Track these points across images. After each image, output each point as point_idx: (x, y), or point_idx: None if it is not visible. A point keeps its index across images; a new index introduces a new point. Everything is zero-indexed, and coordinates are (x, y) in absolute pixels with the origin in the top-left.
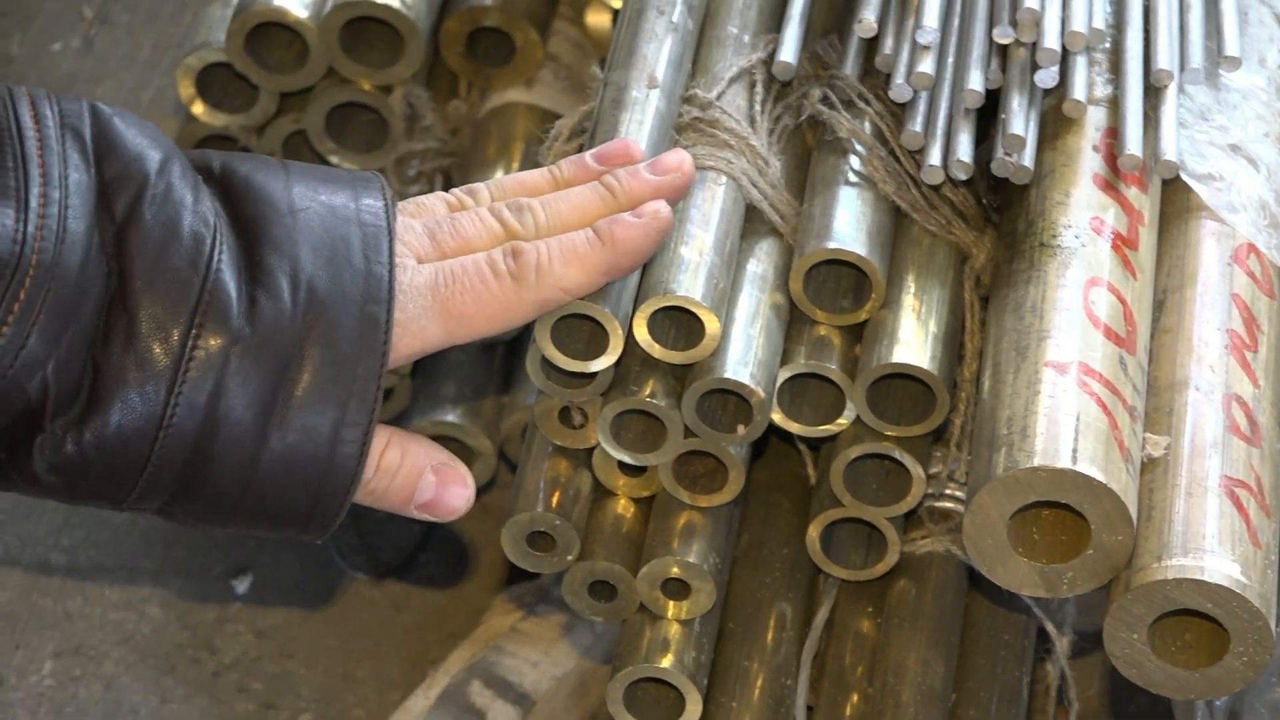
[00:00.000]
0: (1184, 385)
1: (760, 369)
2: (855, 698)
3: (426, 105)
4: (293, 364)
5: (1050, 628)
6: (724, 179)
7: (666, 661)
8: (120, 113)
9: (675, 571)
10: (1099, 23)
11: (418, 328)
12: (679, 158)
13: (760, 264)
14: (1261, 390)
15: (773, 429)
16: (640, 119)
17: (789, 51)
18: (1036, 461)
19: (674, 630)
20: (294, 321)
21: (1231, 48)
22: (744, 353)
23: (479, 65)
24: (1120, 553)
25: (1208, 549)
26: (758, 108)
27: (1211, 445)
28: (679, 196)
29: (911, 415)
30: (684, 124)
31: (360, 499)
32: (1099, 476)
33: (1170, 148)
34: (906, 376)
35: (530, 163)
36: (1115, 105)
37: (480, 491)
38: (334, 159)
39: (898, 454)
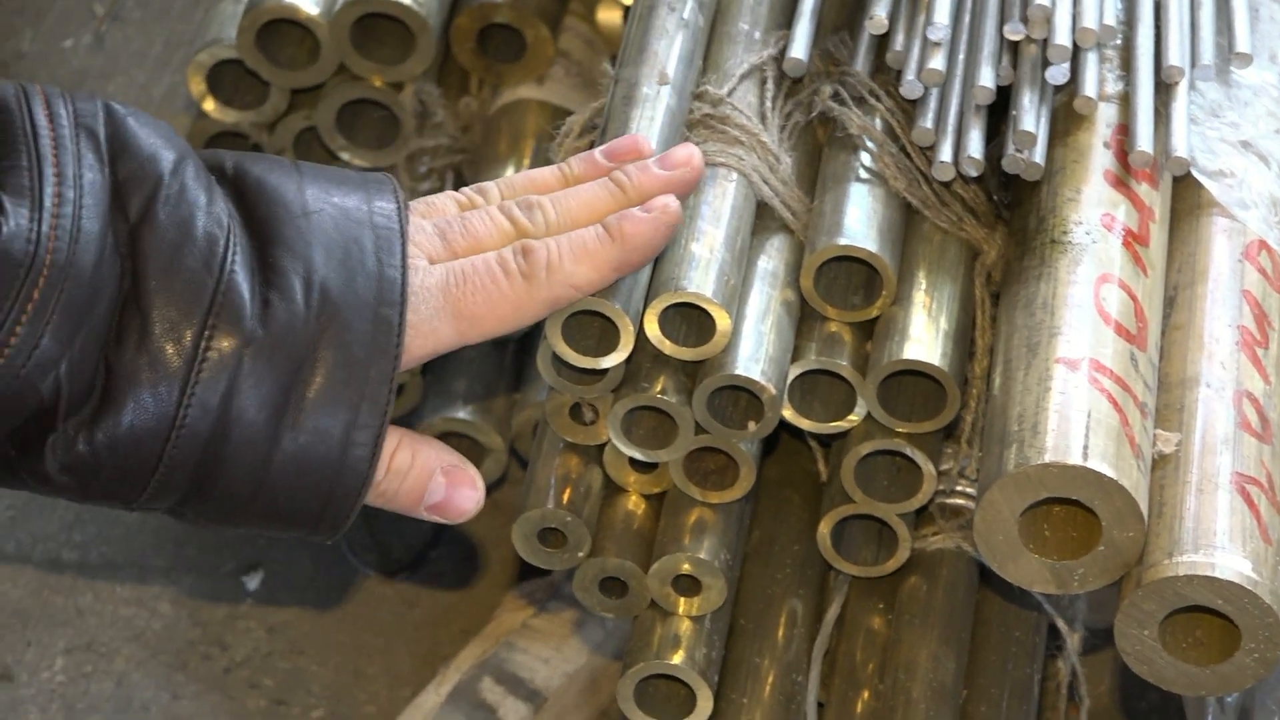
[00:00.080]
0: (1195, 382)
1: (771, 365)
2: (866, 694)
3: (437, 102)
4: (305, 366)
5: (1061, 624)
6: (735, 175)
7: (677, 658)
8: (134, 112)
9: (686, 568)
10: (1110, 19)
11: (430, 329)
12: (688, 152)
13: (771, 260)
14: (1272, 386)
15: (783, 425)
16: (651, 116)
17: (800, 48)
18: (1047, 458)
19: (685, 627)
20: (307, 323)
21: (1243, 44)
22: (755, 349)
23: (490, 62)
24: (1131, 549)
25: (1219, 545)
26: (769, 104)
27: (1222, 442)
28: (688, 191)
29: (922, 412)
30: (695, 120)
31: (371, 500)
32: (1110, 473)
33: (1181, 144)
34: (917, 373)
35: (541, 159)
36: (1126, 102)
37: (491, 488)
38: (345, 156)
39: (909, 450)
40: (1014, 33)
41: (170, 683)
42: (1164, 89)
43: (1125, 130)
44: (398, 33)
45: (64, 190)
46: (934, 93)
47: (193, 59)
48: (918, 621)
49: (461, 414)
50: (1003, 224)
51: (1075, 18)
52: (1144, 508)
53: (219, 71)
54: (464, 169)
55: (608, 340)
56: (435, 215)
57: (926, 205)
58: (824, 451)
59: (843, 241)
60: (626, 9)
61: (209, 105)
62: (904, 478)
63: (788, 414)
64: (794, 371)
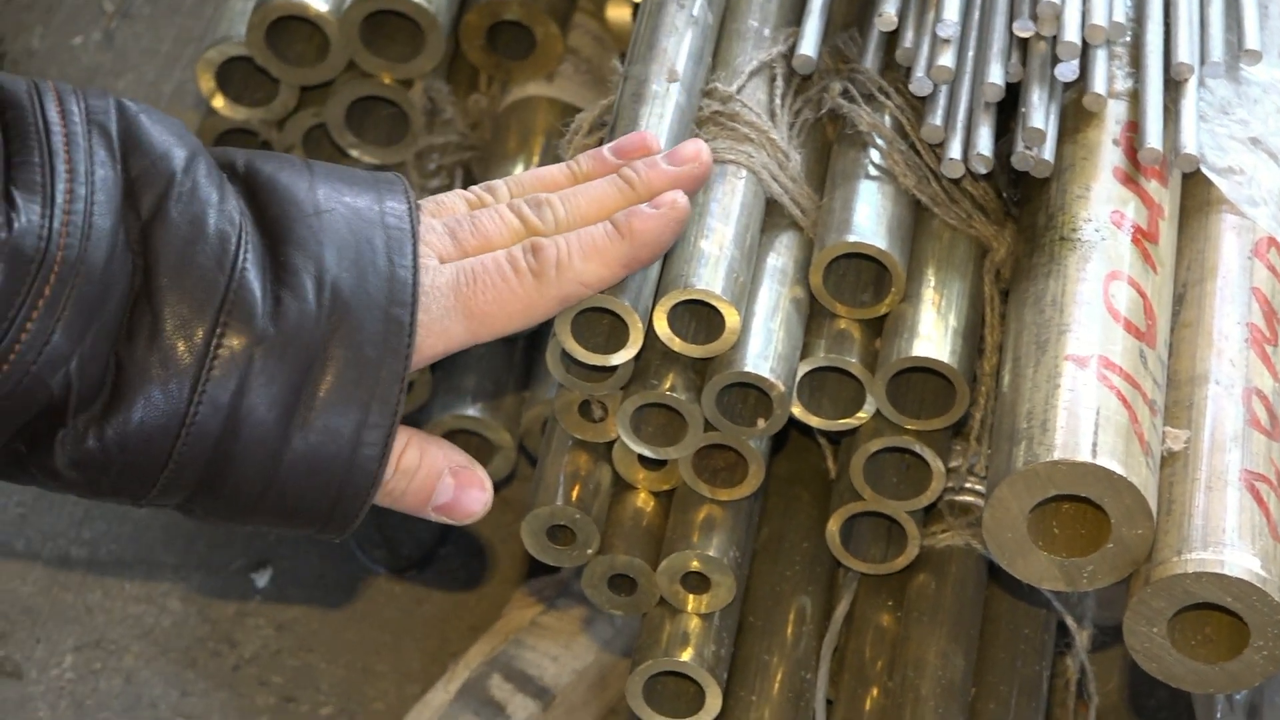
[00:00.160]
0: (1204, 379)
1: (780, 363)
2: (875, 691)
3: (447, 99)
4: (316, 365)
5: (1070, 622)
6: (744, 173)
7: (686, 655)
8: (147, 109)
9: (695, 565)
10: (1119, 16)
11: (441, 328)
12: (696, 148)
13: (780, 257)
14: None
15: (793, 422)
16: (660, 113)
17: (809, 45)
18: (1056, 455)
19: (694, 624)
20: (318, 322)
21: (1252, 41)
22: (764, 346)
23: (499, 59)
24: (1140, 547)
25: (1228, 543)
26: (778, 101)
27: (1231, 439)
28: (697, 187)
29: (931, 409)
30: (704, 118)
31: (378, 500)
32: (1119, 470)
33: (1190, 141)
34: (927, 370)
35: (551, 157)
36: (1135, 99)
37: (500, 485)
38: (354, 153)
39: (918, 448)
40: (1023, 30)
41: (179, 680)
42: (1173, 86)
43: (1134, 127)
44: (407, 30)
45: (75, 187)
46: (943, 90)
47: (202, 56)
48: (927, 619)
49: (471, 411)
50: (1012, 221)
51: (1085, 14)
52: (1153, 505)
53: (228, 68)
54: (473, 166)
55: (617, 337)
56: (445, 214)
57: (936, 202)
58: (833, 449)
59: (852, 238)
60: (636, 6)
61: (218, 102)
62: (913, 475)
63: (797, 411)
64: (803, 368)
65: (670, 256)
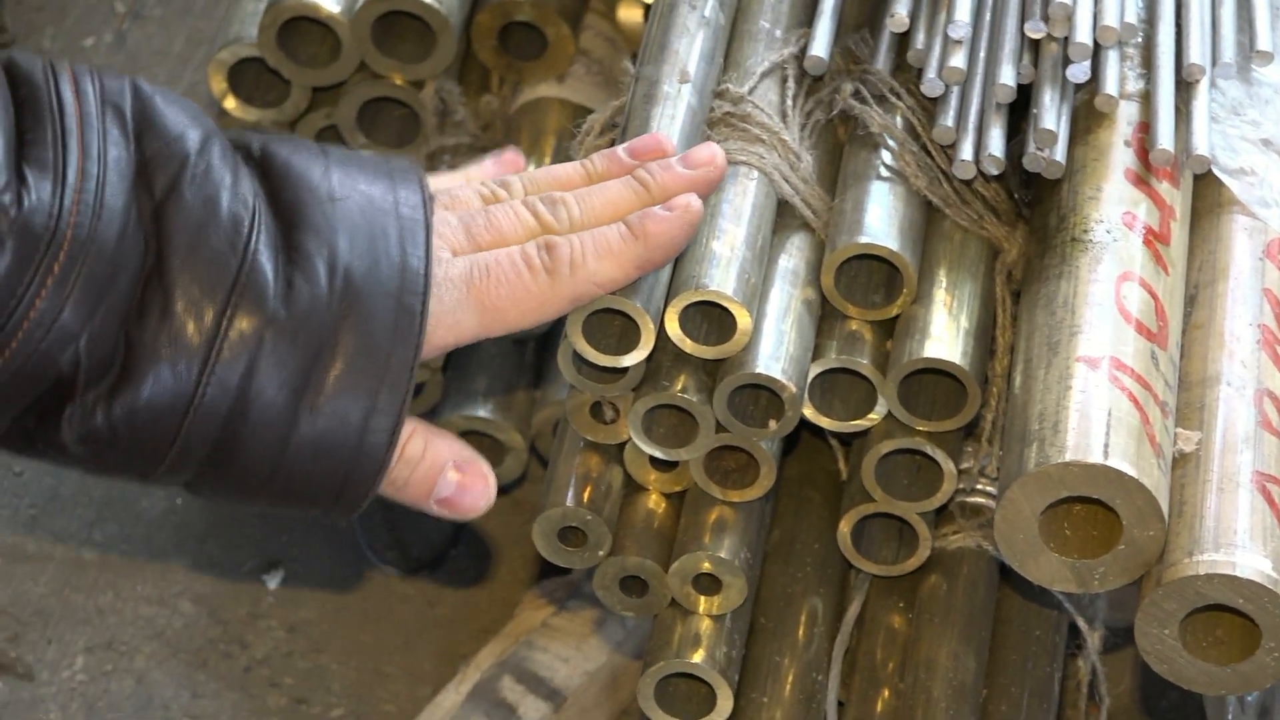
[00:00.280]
0: (1215, 380)
1: (792, 364)
2: (886, 693)
3: (458, 100)
4: (326, 349)
5: (1081, 623)
6: (756, 174)
7: (698, 657)
8: (162, 91)
9: (706, 567)
10: (1131, 17)
11: (452, 320)
12: (710, 152)
13: (792, 259)
14: None
15: (804, 424)
16: (672, 114)
17: (821, 46)
18: (1068, 457)
19: (705, 625)
20: (330, 307)
21: (1264, 42)
22: (775, 348)
23: (511, 60)
24: (1152, 548)
25: (1239, 544)
26: (789, 102)
27: (1243, 440)
28: (710, 190)
29: (943, 410)
30: (716, 119)
31: (382, 488)
32: (1131, 472)
33: (1202, 142)
34: (938, 371)
35: (562, 157)
36: (1147, 100)
37: (511, 486)
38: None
39: (929, 449)
40: (1035, 31)
41: (191, 681)
42: (1185, 87)
43: (1146, 128)
44: (419, 30)
45: (87, 165)
46: (955, 91)
47: (214, 57)
48: (938, 620)
49: (482, 412)
50: (1023, 222)
51: (1096, 16)
52: (1164, 506)
53: (240, 69)
54: None
55: (629, 338)
56: (459, 208)
57: (947, 203)
58: (844, 450)
59: (863, 240)
60: (647, 7)
61: (230, 103)
62: (924, 476)
63: (808, 412)
64: (815, 370)
65: (682, 258)
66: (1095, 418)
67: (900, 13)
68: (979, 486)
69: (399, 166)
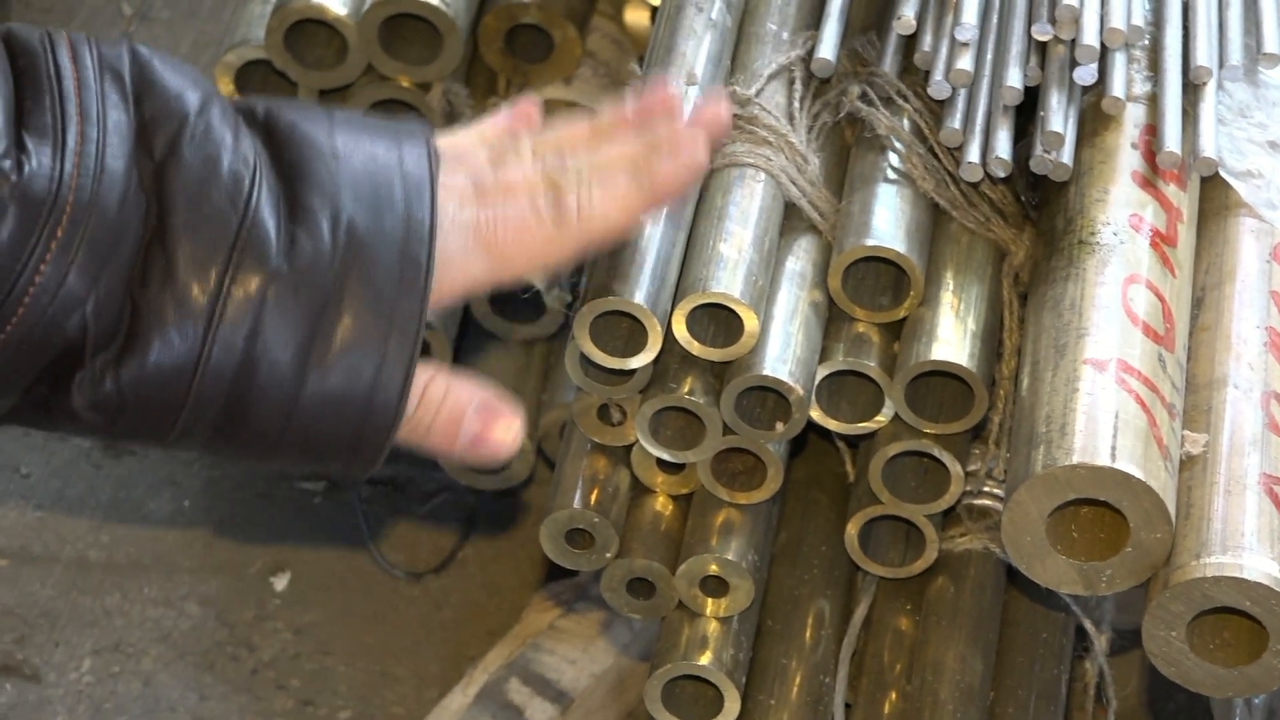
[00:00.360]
0: (1222, 383)
1: (799, 366)
2: (893, 695)
3: (465, 102)
4: (331, 303)
5: (1089, 625)
6: (763, 176)
7: (705, 659)
8: (160, 54)
9: (714, 569)
10: (1138, 19)
11: (460, 265)
12: (715, 105)
13: (799, 261)
14: None
15: (811, 426)
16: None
17: (828, 48)
18: (1075, 459)
19: (712, 628)
20: (333, 261)
21: (1271, 44)
22: (783, 350)
23: (517, 62)
24: (1159, 550)
25: (1246, 547)
26: (796, 105)
27: (1250, 443)
28: (717, 141)
29: (950, 412)
30: None
31: (406, 436)
32: (1138, 474)
33: (1209, 145)
34: (945, 374)
35: None
36: (1154, 102)
37: (518, 489)
38: None
39: (936, 451)
40: (1042, 33)
41: (198, 683)
42: (1192, 89)
43: (1153, 131)
44: (425, 33)
45: (87, 129)
46: (962, 93)
47: (221, 59)
48: (945, 622)
49: None
50: (1030, 224)
51: (1103, 18)
52: (1171, 509)
53: (247, 72)
54: None
55: (635, 341)
56: (467, 165)
57: (954, 206)
58: (851, 452)
59: (870, 242)
60: (654, 9)
61: None
62: (931, 479)
63: (815, 415)
64: (822, 372)
65: (689, 260)
66: (1102, 420)
67: (907, 15)
68: (986, 489)
69: (406, 126)
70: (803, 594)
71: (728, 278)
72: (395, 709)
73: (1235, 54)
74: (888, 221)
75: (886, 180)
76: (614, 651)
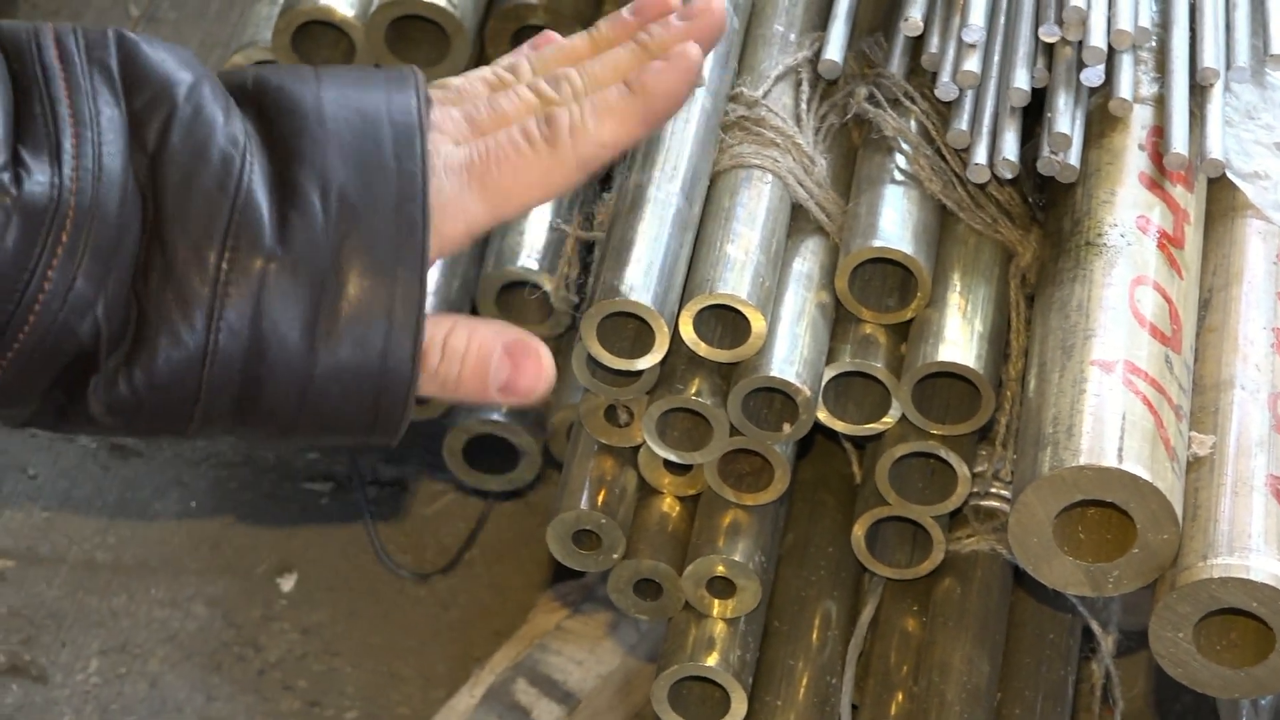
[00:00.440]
0: (1229, 384)
1: (806, 367)
2: (900, 696)
3: None
4: (330, 277)
5: (1095, 627)
6: (770, 177)
7: (712, 660)
8: (148, 39)
9: (720, 570)
10: (1145, 21)
11: (458, 208)
12: (706, 1)
13: (806, 262)
14: None
15: (818, 427)
16: (686, 118)
17: (835, 50)
18: (1082, 460)
19: (719, 629)
20: (327, 234)
21: (1278, 46)
22: (790, 351)
23: None
24: (1166, 552)
25: (1253, 548)
26: (804, 106)
27: (1257, 444)
28: (712, 38)
29: (957, 414)
30: (730, 123)
31: (434, 391)
32: (1145, 475)
33: (1216, 146)
34: (952, 375)
35: None
36: (1161, 104)
37: (525, 490)
38: None
39: (943, 452)
40: (1049, 35)
41: (204, 684)
42: (1199, 91)
43: (1160, 132)
44: (432, 34)
45: (81, 131)
46: (969, 95)
47: (228, 60)
48: (952, 624)
49: (496, 415)
50: (1037, 226)
51: (1110, 20)
52: (1178, 510)
53: None
54: None
55: (643, 342)
56: (465, 101)
57: (961, 207)
58: (858, 453)
59: (878, 243)
60: None
61: None
62: (938, 480)
63: (822, 416)
64: (829, 373)
65: (696, 261)
66: (1109, 421)
67: (914, 16)
68: (993, 490)
69: (396, 73)
70: (809, 595)
71: (735, 279)
72: (402, 709)
73: (1242, 55)
74: (895, 223)
75: (893, 181)
76: (621, 652)
